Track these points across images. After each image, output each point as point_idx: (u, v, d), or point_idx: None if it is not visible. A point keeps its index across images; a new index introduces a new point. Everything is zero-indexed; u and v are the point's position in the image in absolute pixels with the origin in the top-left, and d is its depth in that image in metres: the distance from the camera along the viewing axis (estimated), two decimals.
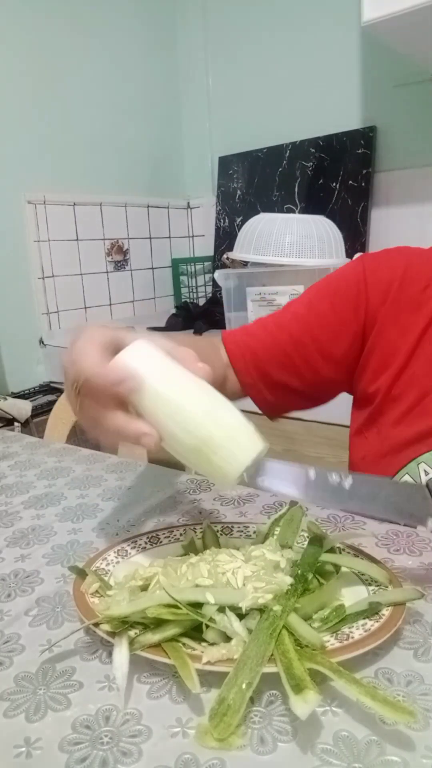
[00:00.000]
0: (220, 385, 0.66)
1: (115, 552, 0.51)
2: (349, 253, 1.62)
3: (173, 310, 2.07)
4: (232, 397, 0.70)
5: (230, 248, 1.69)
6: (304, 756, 0.32)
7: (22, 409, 1.57)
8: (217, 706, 0.34)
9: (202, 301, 2.18)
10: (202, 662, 0.37)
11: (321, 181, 1.88)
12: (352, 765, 0.31)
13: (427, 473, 0.64)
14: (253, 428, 0.45)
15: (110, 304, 2.03)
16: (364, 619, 0.40)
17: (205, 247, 2.28)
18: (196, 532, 0.53)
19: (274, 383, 0.71)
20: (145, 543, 0.53)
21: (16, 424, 1.55)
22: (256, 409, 0.74)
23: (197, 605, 0.40)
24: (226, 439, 0.44)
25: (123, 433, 0.45)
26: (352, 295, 0.68)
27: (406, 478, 0.64)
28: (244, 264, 1.66)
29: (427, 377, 0.65)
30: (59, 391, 1.77)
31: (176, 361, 0.46)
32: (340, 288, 0.70)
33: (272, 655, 0.37)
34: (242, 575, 0.42)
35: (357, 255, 1.57)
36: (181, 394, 0.45)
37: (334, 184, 1.85)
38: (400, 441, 0.65)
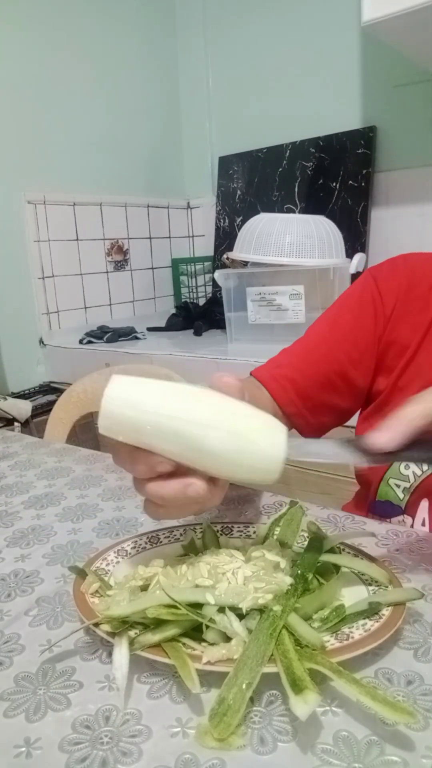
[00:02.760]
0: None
1: (115, 552, 0.51)
2: (349, 253, 1.62)
3: (173, 310, 2.07)
4: None
5: (230, 248, 1.69)
6: (304, 756, 0.32)
7: (22, 409, 1.57)
8: (217, 706, 0.34)
9: (202, 301, 2.18)
10: (202, 662, 0.37)
11: (321, 181, 1.88)
12: (352, 765, 0.31)
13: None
14: (268, 415, 0.42)
15: (110, 304, 2.03)
16: (364, 619, 0.40)
17: (205, 247, 2.28)
18: (196, 532, 0.53)
19: (316, 406, 0.73)
20: (145, 543, 0.53)
21: (16, 424, 1.55)
22: None
23: (197, 605, 0.40)
24: (255, 431, 0.40)
25: (168, 498, 0.42)
26: (369, 305, 0.72)
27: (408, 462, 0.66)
28: (244, 264, 1.66)
29: (431, 367, 0.67)
30: (59, 391, 1.77)
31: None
32: (357, 302, 0.73)
33: (272, 655, 0.37)
34: (242, 575, 0.42)
35: (356, 256, 1.58)
36: (184, 412, 0.40)
37: (334, 184, 1.85)
38: None
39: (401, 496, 0.67)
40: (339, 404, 0.73)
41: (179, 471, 0.41)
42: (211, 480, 0.42)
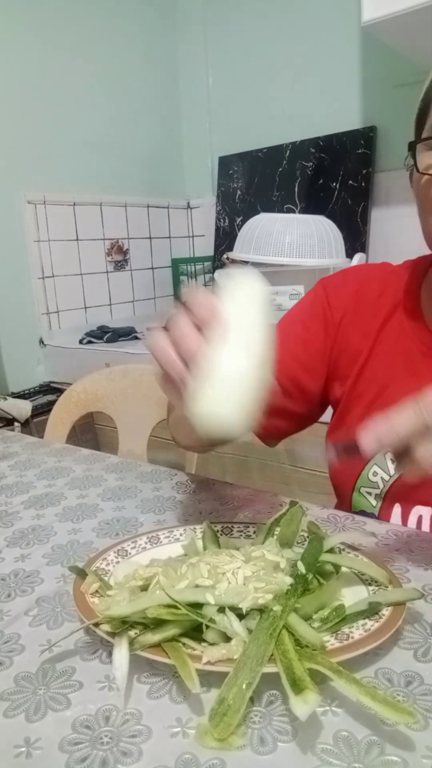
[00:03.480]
0: None
1: (115, 552, 0.51)
2: (349, 253, 1.62)
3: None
4: None
5: (230, 248, 1.69)
6: (304, 756, 0.32)
7: (22, 409, 1.57)
8: (217, 706, 0.34)
9: None
10: (202, 662, 0.37)
11: (321, 181, 1.88)
12: (352, 765, 0.31)
13: (394, 462, 0.65)
14: (250, 409, 0.45)
15: (110, 304, 2.03)
16: (364, 619, 0.40)
17: (205, 247, 2.28)
18: (196, 532, 0.53)
19: (268, 409, 0.73)
20: (145, 543, 0.53)
21: (16, 424, 1.55)
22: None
23: (197, 605, 0.40)
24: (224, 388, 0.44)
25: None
26: (319, 315, 0.74)
27: (375, 468, 0.67)
28: (244, 264, 1.66)
29: (385, 371, 0.69)
30: (59, 391, 1.77)
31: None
32: (307, 312, 0.76)
33: (272, 655, 0.37)
34: (242, 575, 0.42)
35: (356, 256, 1.58)
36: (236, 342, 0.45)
37: (334, 184, 1.85)
38: None
39: (374, 503, 0.67)
40: (291, 408, 0.74)
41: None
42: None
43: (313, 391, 0.74)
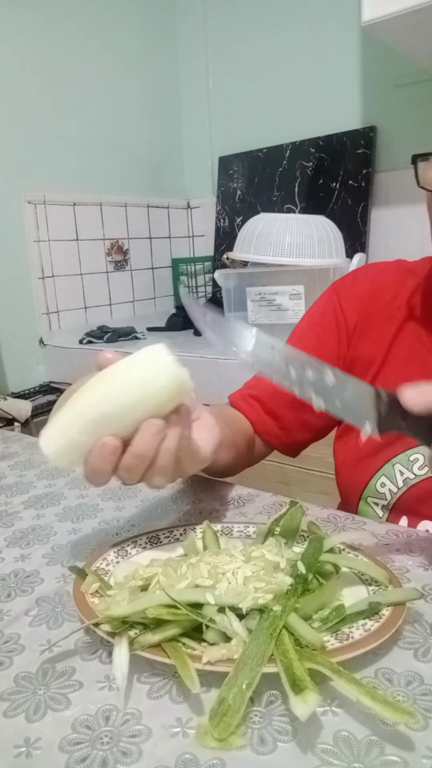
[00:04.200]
0: (248, 446, 0.73)
1: (115, 552, 0.51)
2: (349, 253, 1.62)
3: (173, 310, 2.07)
4: (260, 452, 0.77)
5: (230, 248, 1.69)
6: (304, 756, 0.32)
7: (22, 409, 1.57)
8: (217, 706, 0.34)
9: (202, 301, 2.18)
10: (202, 662, 0.37)
11: (321, 181, 1.88)
12: (352, 765, 0.31)
13: (402, 473, 0.65)
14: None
15: (110, 304, 2.03)
16: (364, 619, 0.40)
17: (205, 247, 2.28)
18: (196, 532, 0.53)
19: (287, 424, 0.75)
20: (145, 543, 0.53)
21: (16, 424, 1.55)
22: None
23: (197, 605, 0.40)
24: (137, 363, 0.48)
25: (142, 451, 0.47)
26: (331, 323, 0.73)
27: (383, 479, 0.67)
28: (244, 264, 1.66)
29: (399, 380, 0.68)
30: (59, 391, 1.77)
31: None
32: (320, 320, 0.75)
33: (272, 655, 0.37)
34: (242, 575, 0.42)
35: (356, 256, 1.58)
36: (87, 407, 0.46)
37: (334, 184, 1.85)
38: (375, 443, 0.67)
39: (380, 513, 0.67)
40: (310, 421, 0.74)
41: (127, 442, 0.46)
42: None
43: None
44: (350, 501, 0.71)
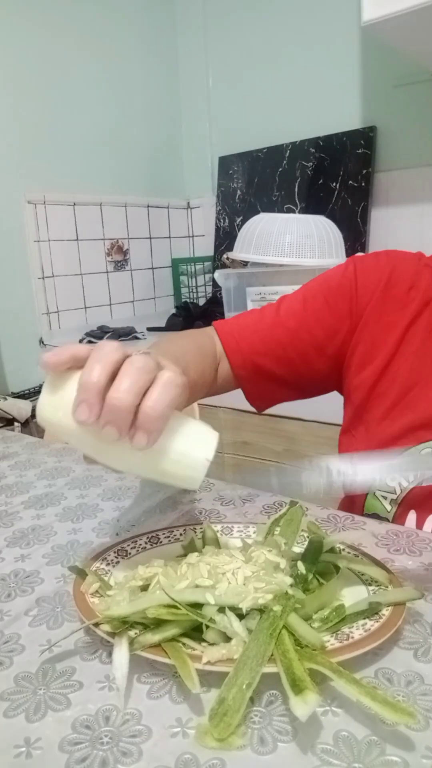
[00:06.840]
0: (211, 375, 0.70)
1: (115, 552, 0.51)
2: (349, 253, 1.62)
3: (173, 310, 2.07)
4: (222, 385, 0.74)
5: (230, 248, 1.69)
6: (304, 756, 0.32)
7: (22, 409, 1.57)
8: (217, 706, 0.34)
9: (202, 301, 2.18)
10: (202, 662, 0.37)
11: (321, 181, 1.88)
12: (352, 765, 0.31)
13: None
14: (197, 425, 0.44)
15: (110, 304, 2.03)
16: (364, 619, 0.40)
17: (205, 247, 2.28)
18: (196, 532, 0.53)
19: (267, 376, 0.73)
20: (145, 543, 0.53)
21: (16, 424, 1.55)
22: (241, 404, 0.76)
23: (197, 605, 0.40)
24: (179, 454, 0.42)
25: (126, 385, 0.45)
26: (345, 293, 0.71)
27: (394, 474, 0.66)
28: (244, 264, 1.66)
29: (411, 372, 0.67)
30: None
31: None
32: (333, 287, 0.73)
33: (272, 655, 0.37)
34: (242, 575, 0.42)
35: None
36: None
37: (334, 184, 1.85)
38: (385, 437, 0.67)
39: (388, 507, 0.67)
40: (291, 381, 0.73)
41: None
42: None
43: (321, 371, 0.72)
44: (357, 495, 0.71)
